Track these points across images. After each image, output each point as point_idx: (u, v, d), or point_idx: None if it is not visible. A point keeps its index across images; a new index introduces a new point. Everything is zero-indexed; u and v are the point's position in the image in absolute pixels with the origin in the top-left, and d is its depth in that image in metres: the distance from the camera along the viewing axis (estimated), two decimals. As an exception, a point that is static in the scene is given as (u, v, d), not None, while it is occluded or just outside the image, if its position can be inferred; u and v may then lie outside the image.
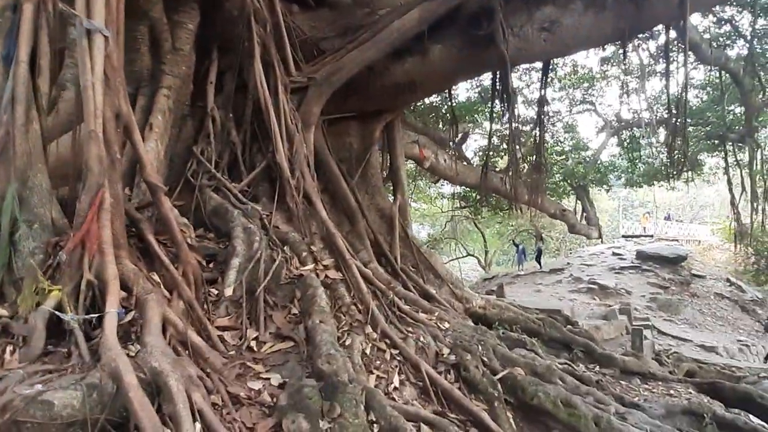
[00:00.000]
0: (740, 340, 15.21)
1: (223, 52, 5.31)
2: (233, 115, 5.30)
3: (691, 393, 5.71)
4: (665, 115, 15.54)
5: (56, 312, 2.52)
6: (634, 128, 17.39)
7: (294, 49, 5.54)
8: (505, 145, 14.19)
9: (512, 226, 25.80)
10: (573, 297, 16.82)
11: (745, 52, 11.99)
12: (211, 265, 4.04)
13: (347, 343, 3.50)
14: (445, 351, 4.17)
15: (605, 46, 10.09)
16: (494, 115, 8.14)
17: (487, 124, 17.02)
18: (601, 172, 18.45)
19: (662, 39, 10.91)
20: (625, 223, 33.47)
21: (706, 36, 11.73)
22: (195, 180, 4.79)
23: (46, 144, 3.21)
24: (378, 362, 3.59)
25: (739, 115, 14.01)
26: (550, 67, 8.08)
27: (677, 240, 26.57)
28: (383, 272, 5.44)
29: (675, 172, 7.04)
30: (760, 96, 12.67)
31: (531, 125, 15.76)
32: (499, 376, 4.03)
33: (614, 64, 15.70)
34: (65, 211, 3.18)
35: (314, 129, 5.62)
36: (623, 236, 29.76)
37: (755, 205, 12.83)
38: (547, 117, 14.61)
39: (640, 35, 10.03)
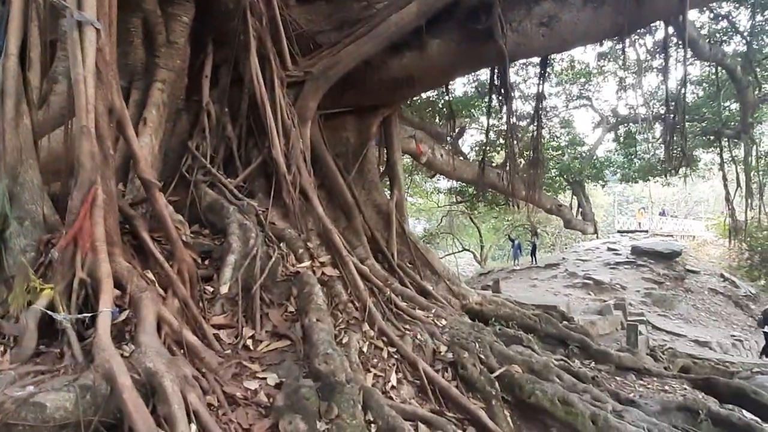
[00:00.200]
0: (733, 336, 15.32)
1: (218, 46, 5.23)
2: (229, 109, 5.23)
3: (686, 389, 5.74)
4: (661, 111, 15.60)
5: (48, 311, 2.47)
6: (631, 124, 17.40)
7: (290, 42, 5.47)
8: (501, 140, 14.18)
9: (508, 221, 25.83)
10: (568, 292, 16.88)
11: (741, 48, 12.00)
12: (206, 262, 3.99)
13: (344, 341, 3.47)
14: (443, 348, 4.15)
15: (603, 42, 10.05)
16: (491, 110, 8.08)
17: (483, 119, 17.01)
18: (597, 168, 18.47)
19: (659, 35, 10.93)
20: (621, 219, 33.60)
21: (703, 32, 11.72)
22: (190, 175, 4.73)
23: (37, 139, 3.15)
24: (375, 360, 3.57)
25: (734, 111, 14.03)
26: (548, 62, 8.02)
27: (672, 235, 26.66)
28: (380, 269, 5.42)
29: (672, 169, 7.02)
30: (756, 92, 12.68)
31: (528, 120, 15.77)
32: (497, 373, 4.02)
33: (611, 59, 15.67)
34: (57, 208, 3.12)
35: (311, 124, 5.57)
36: (618, 231, 29.84)
37: (750, 201, 12.86)
38: (544, 112, 14.57)
39: (638, 31, 9.98)
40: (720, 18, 12.07)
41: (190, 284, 3.28)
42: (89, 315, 2.53)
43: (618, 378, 5.84)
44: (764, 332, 12.49)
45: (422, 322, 4.44)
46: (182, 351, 2.78)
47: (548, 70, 12.50)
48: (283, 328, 3.42)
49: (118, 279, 2.79)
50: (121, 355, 2.38)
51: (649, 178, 18.28)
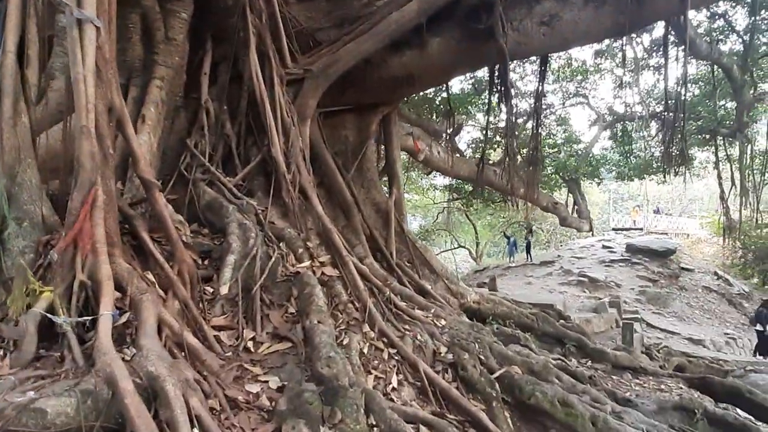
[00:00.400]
0: (727, 333, 15.42)
1: (217, 43, 5.18)
2: (228, 107, 5.18)
3: (681, 388, 5.78)
4: (658, 109, 15.66)
5: (48, 315, 2.44)
6: (627, 122, 17.44)
7: (290, 39, 5.42)
8: (498, 138, 14.18)
9: (504, 218, 25.86)
10: (563, 289, 16.93)
11: (738, 47, 12.03)
12: (205, 262, 3.96)
13: (345, 342, 3.46)
14: (443, 349, 4.15)
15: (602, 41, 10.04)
16: (490, 108, 8.06)
17: (480, 116, 17.01)
18: (592, 166, 18.52)
19: (657, 32, 10.94)
20: (616, 216, 33.72)
21: (700, 30, 11.74)
22: (188, 173, 4.69)
23: (35, 137, 3.11)
24: (376, 362, 3.56)
25: (730, 110, 14.08)
26: (547, 61, 8.00)
27: (666, 233, 26.79)
28: (379, 268, 5.40)
29: (670, 169, 7.04)
30: (752, 91, 12.73)
31: (525, 117, 15.77)
32: (497, 375, 4.02)
33: (608, 57, 15.69)
34: (56, 207, 3.08)
35: (310, 122, 5.53)
36: (613, 229, 29.96)
37: (744, 199, 12.93)
38: (541, 110, 14.54)
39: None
40: (717, 17, 12.10)
41: (191, 285, 3.25)
42: (90, 318, 2.50)
43: (614, 377, 5.88)
44: (756, 330, 12.59)
45: (422, 322, 4.43)
46: (183, 354, 2.75)
47: (546, 68, 12.48)
48: (284, 330, 3.40)
49: (118, 280, 2.76)
50: (123, 359, 2.36)
51: (645, 176, 18.37)
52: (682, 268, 19.74)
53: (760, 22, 11.57)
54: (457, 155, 14.22)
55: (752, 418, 5.06)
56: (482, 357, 4.20)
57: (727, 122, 14.07)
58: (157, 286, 3.07)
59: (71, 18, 2.76)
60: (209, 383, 2.64)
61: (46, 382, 2.21)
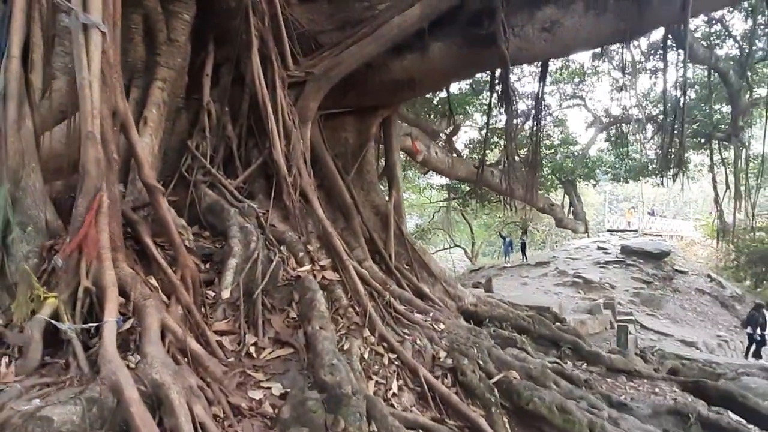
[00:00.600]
0: (719, 336, 15.57)
1: (219, 44, 5.16)
2: (229, 109, 5.17)
3: (675, 391, 5.84)
4: (654, 112, 15.74)
5: (53, 321, 2.44)
6: (623, 124, 17.51)
7: (292, 42, 5.42)
8: (496, 138, 14.21)
9: (499, 218, 25.94)
10: (558, 290, 17.03)
11: (734, 52, 12.11)
12: (207, 266, 3.96)
13: (345, 347, 3.48)
14: (442, 354, 4.17)
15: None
16: (487, 110, 8.08)
17: (477, 116, 17.04)
18: (589, 167, 18.59)
19: (654, 36, 10.99)
20: (611, 218, 33.87)
21: (697, 34, 11.80)
22: (189, 175, 4.68)
23: (38, 139, 3.10)
24: (376, 367, 3.58)
25: (725, 114, 14.18)
26: (547, 66, 8.03)
27: (660, 235, 26.95)
28: (378, 271, 5.42)
29: (668, 174, 7.10)
30: (748, 96, 12.82)
31: (523, 118, 15.79)
32: (495, 380, 4.06)
33: (605, 59, 15.73)
34: (59, 211, 3.08)
35: (311, 124, 5.53)
36: (608, 230, 30.09)
37: (738, 203, 13.03)
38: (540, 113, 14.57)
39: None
40: (714, 21, 12.16)
41: (194, 290, 3.26)
42: (94, 325, 2.50)
43: (609, 380, 5.93)
44: (748, 333, 12.72)
45: (421, 326, 4.45)
46: (186, 359, 2.76)
47: (546, 73, 12.51)
48: (286, 335, 3.42)
49: (121, 286, 2.77)
50: (127, 366, 2.37)
51: (640, 178, 18.46)
52: (676, 270, 19.87)
53: (756, 28, 11.65)
54: (455, 155, 14.24)
55: (744, 422, 5.13)
56: (481, 362, 4.23)
57: (723, 126, 14.17)
58: (160, 291, 3.08)
59: (77, 23, 2.76)
60: (212, 390, 2.65)
61: (51, 390, 2.22)
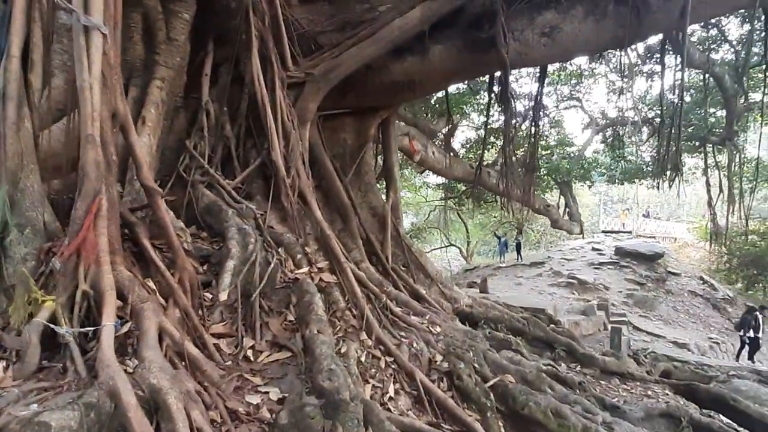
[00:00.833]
0: (711, 338, 15.68)
1: (219, 44, 5.14)
2: (228, 109, 5.16)
3: (668, 394, 5.88)
4: (650, 115, 15.82)
5: (51, 325, 2.43)
6: (619, 126, 17.60)
7: (291, 42, 5.40)
8: (493, 138, 14.23)
9: (495, 217, 26.00)
10: (553, 291, 17.09)
11: (729, 56, 12.18)
12: (204, 267, 3.95)
13: (342, 350, 3.48)
14: (438, 358, 4.19)
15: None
16: (485, 110, 8.09)
17: (474, 116, 17.04)
18: (584, 168, 18.68)
19: (651, 40, 11.01)
20: (605, 219, 34.03)
21: (693, 39, 11.86)
22: (187, 175, 4.66)
23: (37, 141, 3.08)
24: (373, 370, 3.59)
25: (720, 118, 14.28)
26: (546, 70, 8.05)
27: (654, 237, 27.13)
28: (375, 272, 5.42)
29: (666, 179, 7.13)
30: (743, 100, 12.91)
31: (520, 119, 15.79)
32: (491, 383, 4.07)
33: (602, 62, 15.77)
34: (57, 212, 3.06)
35: (310, 125, 5.52)
36: (603, 231, 30.25)
37: (731, 206, 13.12)
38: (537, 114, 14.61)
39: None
40: (710, 26, 12.22)
41: (191, 293, 3.25)
42: (92, 329, 2.49)
43: (602, 382, 5.96)
44: (740, 336, 12.83)
45: (417, 329, 4.47)
46: (184, 363, 2.76)
47: (545, 77, 12.56)
48: (283, 338, 3.42)
49: (119, 289, 2.76)
50: (125, 371, 2.36)
51: (635, 180, 18.56)
52: (669, 272, 20.00)
53: (753, 33, 11.71)
54: (451, 155, 14.25)
55: (735, 426, 5.18)
56: (477, 365, 4.25)
57: (717, 130, 14.27)
58: (157, 293, 3.07)
59: (78, 25, 2.74)
60: (210, 394, 2.65)
61: (49, 395, 2.22)
